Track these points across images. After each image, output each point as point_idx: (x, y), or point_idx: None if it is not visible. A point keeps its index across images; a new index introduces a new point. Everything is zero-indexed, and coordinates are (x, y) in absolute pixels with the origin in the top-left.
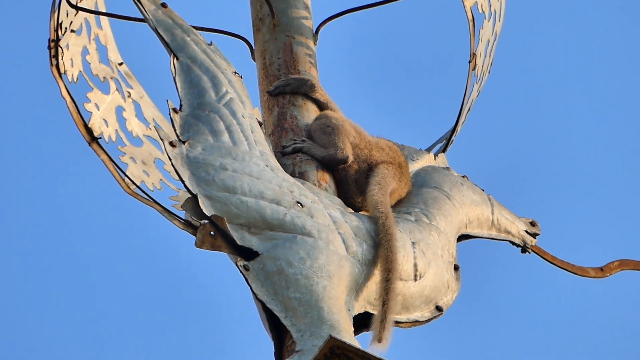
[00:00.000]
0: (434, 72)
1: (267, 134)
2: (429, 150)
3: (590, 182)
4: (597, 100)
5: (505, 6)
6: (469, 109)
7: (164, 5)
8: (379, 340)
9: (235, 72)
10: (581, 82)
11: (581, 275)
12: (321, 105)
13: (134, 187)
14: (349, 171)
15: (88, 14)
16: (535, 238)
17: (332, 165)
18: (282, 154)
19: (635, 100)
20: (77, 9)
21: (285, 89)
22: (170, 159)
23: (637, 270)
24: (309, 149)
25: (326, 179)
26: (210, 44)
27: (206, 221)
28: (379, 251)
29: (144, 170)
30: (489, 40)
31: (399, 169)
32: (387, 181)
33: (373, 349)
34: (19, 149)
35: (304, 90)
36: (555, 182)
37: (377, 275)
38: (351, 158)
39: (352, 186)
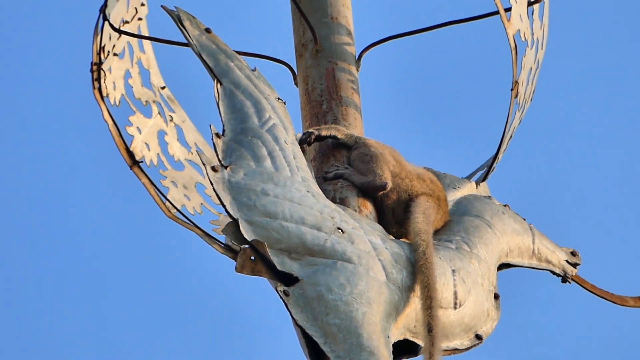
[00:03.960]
0: (476, 100)
1: (309, 160)
2: (470, 178)
3: (630, 211)
4: None
5: (547, 35)
6: (510, 137)
7: (208, 30)
8: None
9: (278, 98)
10: (625, 109)
11: (620, 304)
12: (349, 147)
13: (175, 211)
14: (385, 200)
15: (131, 38)
16: (575, 268)
17: (371, 192)
18: (323, 180)
19: None
20: (120, 32)
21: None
22: (211, 184)
23: None
24: (349, 175)
25: (367, 205)
26: (254, 70)
27: (247, 246)
28: (417, 278)
29: (185, 195)
30: (531, 68)
31: (437, 201)
32: (430, 212)
33: None
34: (59, 172)
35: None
36: (596, 211)
37: (417, 303)
38: (390, 185)
39: (388, 216)
